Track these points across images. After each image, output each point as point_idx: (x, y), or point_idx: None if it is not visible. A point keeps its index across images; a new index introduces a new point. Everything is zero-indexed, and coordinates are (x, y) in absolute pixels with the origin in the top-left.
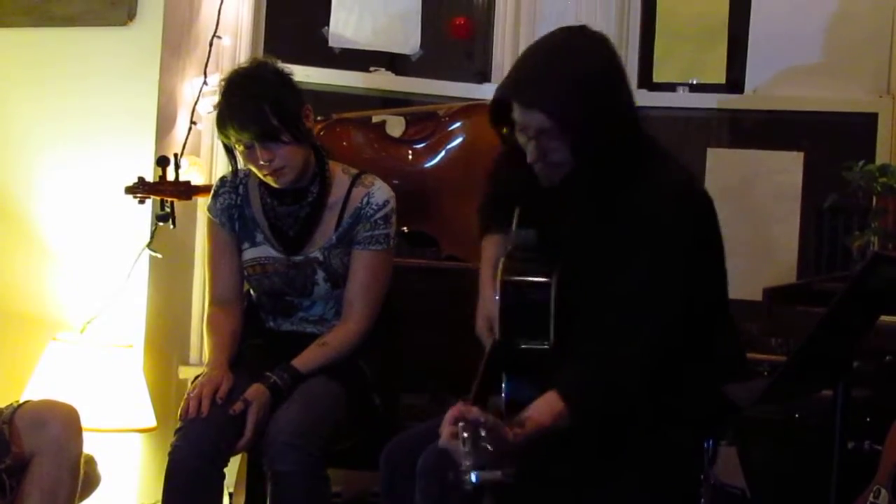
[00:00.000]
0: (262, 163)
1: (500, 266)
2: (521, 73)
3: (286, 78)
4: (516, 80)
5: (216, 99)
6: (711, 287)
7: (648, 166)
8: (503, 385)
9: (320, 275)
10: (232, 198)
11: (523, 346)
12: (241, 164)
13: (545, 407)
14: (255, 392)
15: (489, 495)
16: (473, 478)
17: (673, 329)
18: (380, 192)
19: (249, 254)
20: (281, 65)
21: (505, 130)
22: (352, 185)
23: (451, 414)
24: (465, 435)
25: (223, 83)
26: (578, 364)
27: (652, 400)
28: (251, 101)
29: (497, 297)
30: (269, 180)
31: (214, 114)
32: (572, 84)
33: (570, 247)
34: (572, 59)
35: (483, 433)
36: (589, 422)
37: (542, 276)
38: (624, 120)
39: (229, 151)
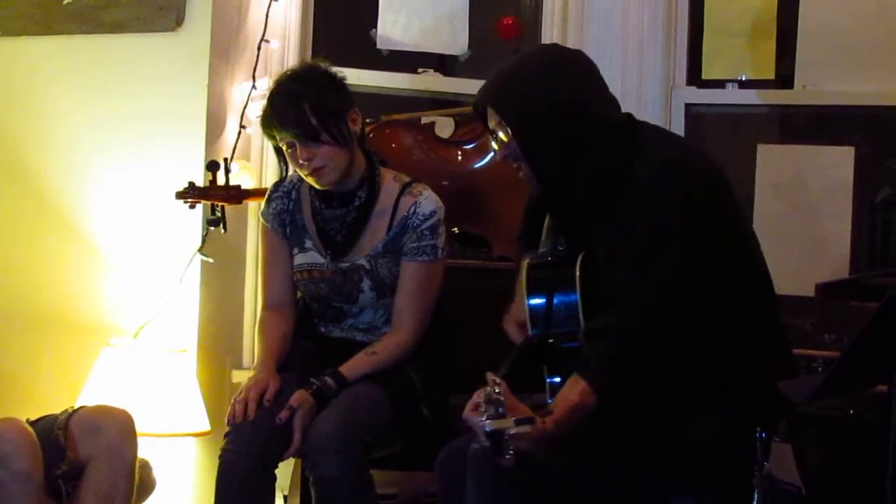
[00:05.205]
0: (301, 162)
1: (524, 269)
2: (491, 79)
3: (334, 80)
4: (486, 85)
5: (265, 102)
6: (736, 264)
7: (638, 153)
8: (546, 380)
9: (366, 283)
10: (284, 203)
11: (557, 341)
12: (290, 168)
13: (568, 388)
14: (300, 398)
15: (509, 450)
16: (487, 428)
17: (673, 295)
18: (427, 202)
19: (298, 259)
20: (333, 68)
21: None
22: (401, 193)
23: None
24: (480, 399)
25: (272, 85)
26: (587, 340)
27: (677, 374)
28: (292, 100)
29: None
30: (311, 181)
31: None
32: (527, 105)
33: (582, 240)
34: (535, 81)
35: (497, 390)
36: (613, 395)
37: (566, 271)
38: (591, 145)
39: (279, 153)
